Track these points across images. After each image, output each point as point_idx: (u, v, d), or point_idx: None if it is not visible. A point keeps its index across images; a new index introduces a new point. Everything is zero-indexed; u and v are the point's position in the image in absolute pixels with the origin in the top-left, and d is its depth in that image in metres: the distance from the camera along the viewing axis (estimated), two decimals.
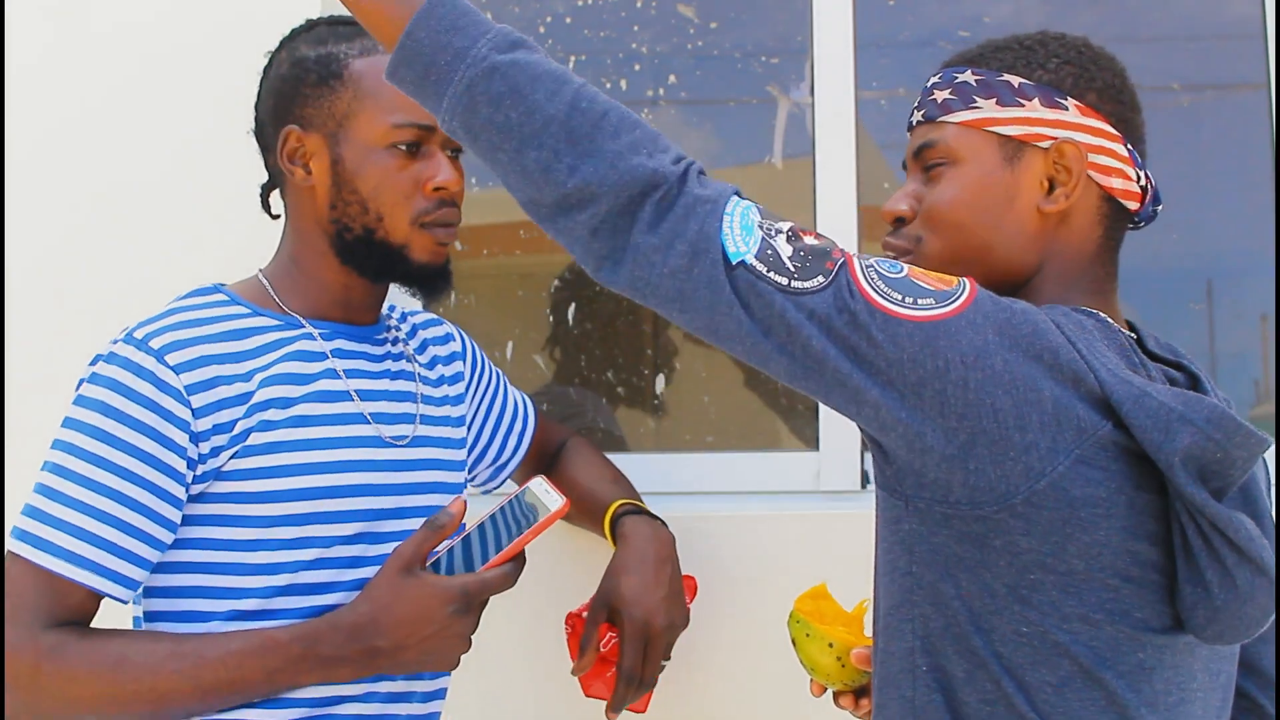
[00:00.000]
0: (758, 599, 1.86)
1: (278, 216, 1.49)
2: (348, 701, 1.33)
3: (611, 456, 1.79)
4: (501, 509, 1.32)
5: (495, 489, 1.73)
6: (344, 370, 1.38)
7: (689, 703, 1.87)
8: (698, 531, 1.86)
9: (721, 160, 2.30)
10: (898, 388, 1.04)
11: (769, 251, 1.06)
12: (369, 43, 1.40)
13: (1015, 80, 1.19)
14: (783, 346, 1.06)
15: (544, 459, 1.74)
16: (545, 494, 1.30)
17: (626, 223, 1.06)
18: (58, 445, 1.28)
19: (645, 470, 2.01)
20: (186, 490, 1.28)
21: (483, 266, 2.28)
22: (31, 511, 1.25)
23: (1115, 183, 1.19)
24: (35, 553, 1.24)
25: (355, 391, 1.38)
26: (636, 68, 2.25)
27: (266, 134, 1.44)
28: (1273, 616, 1.08)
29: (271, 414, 1.31)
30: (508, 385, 1.71)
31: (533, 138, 1.07)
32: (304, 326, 1.38)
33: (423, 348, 1.53)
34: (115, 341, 1.32)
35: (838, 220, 2.00)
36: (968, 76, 1.22)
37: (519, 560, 1.31)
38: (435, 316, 1.63)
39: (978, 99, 1.20)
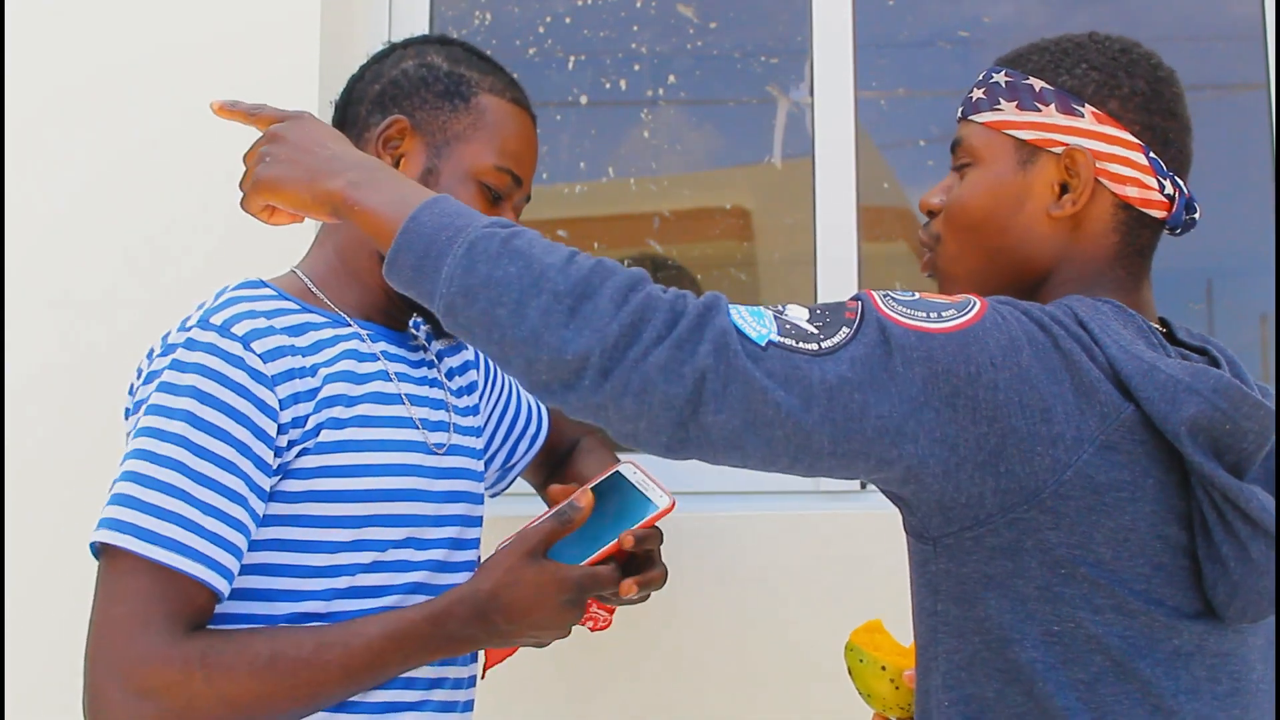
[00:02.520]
0: (757, 599, 1.86)
1: None
2: (406, 710, 1.32)
3: None
4: (601, 502, 1.31)
5: (503, 490, 1.72)
6: (395, 373, 1.37)
7: (688, 702, 1.87)
8: (698, 531, 1.86)
9: (721, 160, 2.30)
10: (934, 405, 1.03)
11: (788, 325, 1.05)
12: (500, 83, 1.43)
13: (1038, 84, 1.20)
14: (826, 414, 1.02)
15: (555, 457, 1.74)
16: (648, 488, 1.30)
17: (634, 349, 1.02)
18: (149, 432, 1.21)
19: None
20: (271, 483, 1.25)
21: None
22: (130, 502, 1.18)
23: (1130, 191, 1.18)
24: (152, 549, 1.17)
25: (406, 395, 1.37)
26: (636, 68, 2.25)
27: (357, 113, 1.43)
28: None
29: (338, 412, 1.29)
30: (519, 389, 1.71)
31: (533, 287, 1.04)
32: (351, 325, 1.37)
33: (439, 358, 1.53)
34: (188, 328, 1.25)
35: (838, 220, 2.00)
36: (1000, 77, 1.23)
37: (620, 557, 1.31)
38: None
39: (1002, 101, 1.22)
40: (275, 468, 1.25)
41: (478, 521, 1.46)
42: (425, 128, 1.40)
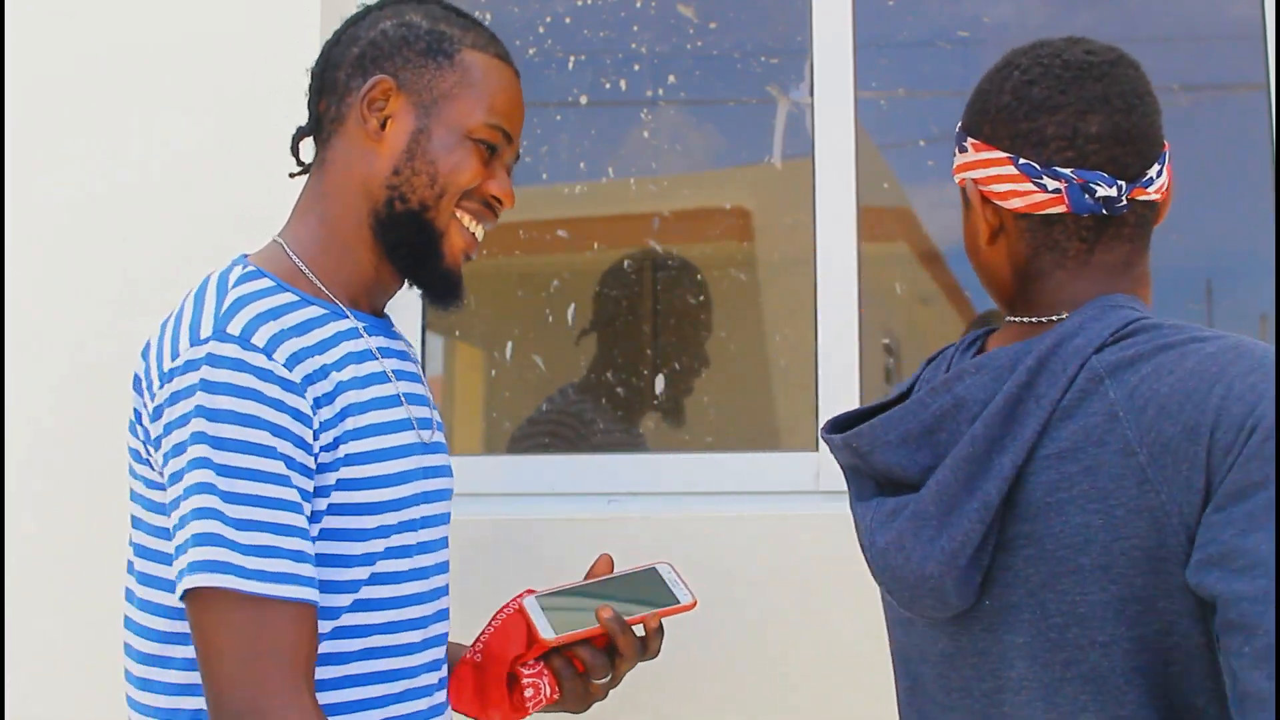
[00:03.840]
0: (757, 599, 1.86)
1: (303, 169, 1.43)
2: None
3: (611, 456, 1.79)
4: (626, 576, 1.38)
5: None
6: (392, 371, 1.35)
7: (687, 702, 1.87)
8: (697, 532, 1.86)
9: (721, 160, 2.30)
10: None
11: None
12: (481, 39, 1.39)
13: (958, 130, 1.27)
14: None
15: None
16: (677, 586, 1.38)
17: None
18: (203, 464, 1.17)
19: (645, 470, 2.01)
20: (313, 485, 1.23)
21: (483, 266, 2.28)
22: (220, 541, 1.14)
23: (1015, 203, 1.19)
24: (258, 584, 1.14)
25: (403, 395, 1.34)
26: (636, 68, 2.25)
27: (336, 78, 1.38)
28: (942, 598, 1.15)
29: (351, 423, 1.26)
30: None
31: None
32: (348, 318, 1.33)
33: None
34: (204, 340, 1.20)
35: (837, 220, 2.00)
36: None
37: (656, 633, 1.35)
38: None
39: (956, 151, 1.28)
40: (315, 469, 1.23)
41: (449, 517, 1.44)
42: (410, 87, 1.35)
